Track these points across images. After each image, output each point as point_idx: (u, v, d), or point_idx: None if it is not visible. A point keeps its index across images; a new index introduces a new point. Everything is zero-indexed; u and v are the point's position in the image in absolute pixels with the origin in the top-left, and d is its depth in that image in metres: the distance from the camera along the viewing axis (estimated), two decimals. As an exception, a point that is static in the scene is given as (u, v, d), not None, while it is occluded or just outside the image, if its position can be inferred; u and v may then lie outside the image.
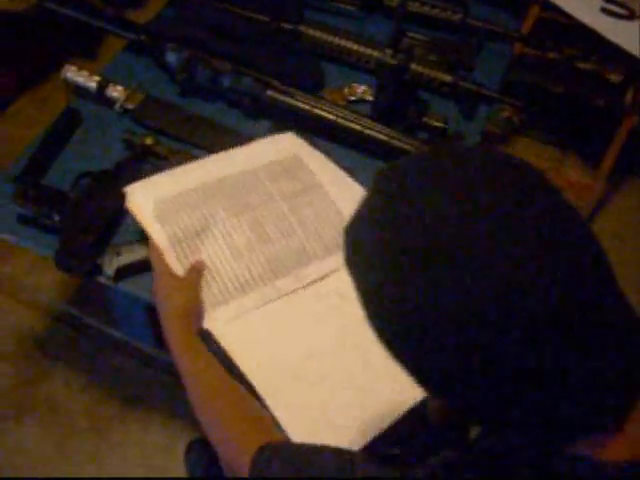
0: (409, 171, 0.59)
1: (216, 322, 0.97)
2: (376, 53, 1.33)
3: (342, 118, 1.24)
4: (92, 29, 1.39)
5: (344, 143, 1.27)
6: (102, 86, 1.29)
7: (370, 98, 1.34)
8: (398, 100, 1.29)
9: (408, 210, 0.56)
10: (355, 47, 1.38)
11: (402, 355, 0.62)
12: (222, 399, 0.87)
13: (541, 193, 0.55)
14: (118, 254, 1.08)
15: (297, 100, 1.25)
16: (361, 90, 1.36)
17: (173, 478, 1.48)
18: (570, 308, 0.51)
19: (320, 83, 1.37)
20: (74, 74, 1.30)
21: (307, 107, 1.25)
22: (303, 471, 0.69)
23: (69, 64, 1.32)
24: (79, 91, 1.32)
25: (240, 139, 1.22)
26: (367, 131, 1.23)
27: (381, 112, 1.28)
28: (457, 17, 1.47)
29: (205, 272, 0.99)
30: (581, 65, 2.03)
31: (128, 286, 1.10)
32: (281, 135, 1.15)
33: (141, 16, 1.66)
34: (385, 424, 0.92)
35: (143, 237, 1.05)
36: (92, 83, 1.29)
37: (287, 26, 1.39)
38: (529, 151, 2.18)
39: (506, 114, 2.16)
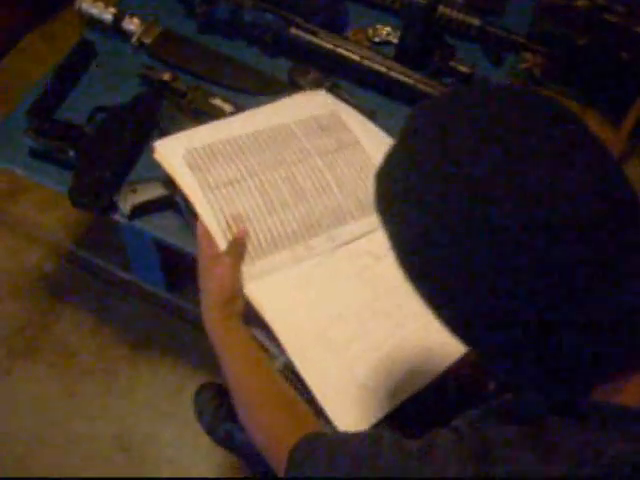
0: (446, 110, 0.58)
1: (246, 278, 0.94)
2: (403, -7, 1.28)
3: (367, 59, 1.20)
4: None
5: (368, 85, 1.23)
6: (118, 18, 1.24)
7: (395, 40, 1.30)
8: (424, 43, 1.24)
9: (447, 150, 0.54)
10: (381, -14, 1.33)
11: (436, 298, 0.61)
12: (260, 386, 0.85)
13: (582, 136, 0.55)
14: (134, 192, 1.06)
15: (320, 39, 1.21)
16: (386, 32, 1.31)
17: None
18: (614, 250, 0.51)
19: (344, 23, 1.32)
20: (89, 5, 1.26)
21: (330, 46, 1.20)
22: (340, 468, 0.67)
23: (84, -6, 1.27)
24: (93, 23, 1.27)
25: (260, 77, 1.19)
26: (392, 73, 1.19)
27: (406, 55, 1.24)
28: (487, -41, 1.41)
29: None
30: (608, 16, 1.96)
31: (143, 225, 1.08)
32: (315, 92, 1.11)
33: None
34: (413, 389, 0.90)
35: (160, 175, 1.02)
36: (108, 15, 1.25)
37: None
38: (548, 104, 2.13)
39: (527, 65, 2.10)
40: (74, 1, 1.27)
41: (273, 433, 0.80)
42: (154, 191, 1.06)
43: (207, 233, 0.93)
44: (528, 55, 1.39)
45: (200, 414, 1.50)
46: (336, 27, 1.28)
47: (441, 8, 1.28)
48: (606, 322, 0.53)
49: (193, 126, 1.06)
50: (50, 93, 1.18)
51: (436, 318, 0.61)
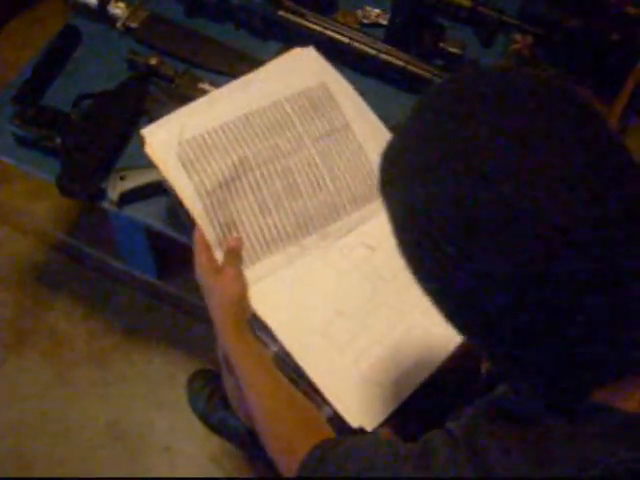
0: (459, 93, 0.56)
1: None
2: (392, -27, 1.26)
3: (356, 41, 1.18)
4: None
5: (357, 68, 1.22)
6: (103, 2, 1.22)
7: (384, 22, 1.29)
8: (414, 24, 1.23)
9: (459, 135, 0.53)
10: (370, -34, 1.31)
11: (434, 285, 0.59)
12: (273, 396, 0.85)
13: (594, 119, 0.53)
14: (122, 178, 1.04)
15: (309, 21, 1.19)
16: (375, 13, 1.30)
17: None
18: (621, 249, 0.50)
19: (333, 5, 1.31)
20: (74, -11, 1.23)
21: (320, 29, 1.19)
22: (352, 476, 0.68)
23: (68, -22, 1.25)
24: (79, 8, 1.25)
25: (248, 61, 1.17)
26: (382, 55, 1.18)
27: (396, 36, 1.23)
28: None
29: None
30: (599, -4, 1.95)
31: (132, 212, 1.07)
32: (302, 51, 1.05)
33: None
34: (421, 379, 0.90)
35: (149, 161, 1.01)
36: (93, -1, 1.23)
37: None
38: (539, 86, 2.12)
39: (517, 46, 2.09)
40: (58, -15, 1.25)
41: (286, 441, 0.81)
42: (142, 178, 1.05)
43: (205, 247, 0.91)
44: (518, 36, 1.38)
45: (193, 401, 1.50)
46: (325, 9, 1.27)
47: (431, -12, 1.26)
48: (610, 322, 0.52)
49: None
50: (35, 80, 1.16)
51: (435, 308, 0.60)
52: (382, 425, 0.87)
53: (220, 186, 0.92)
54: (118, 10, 1.22)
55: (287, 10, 1.20)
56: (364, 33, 1.20)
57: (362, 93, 1.15)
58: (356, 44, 1.18)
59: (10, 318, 1.62)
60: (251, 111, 0.97)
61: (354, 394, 0.88)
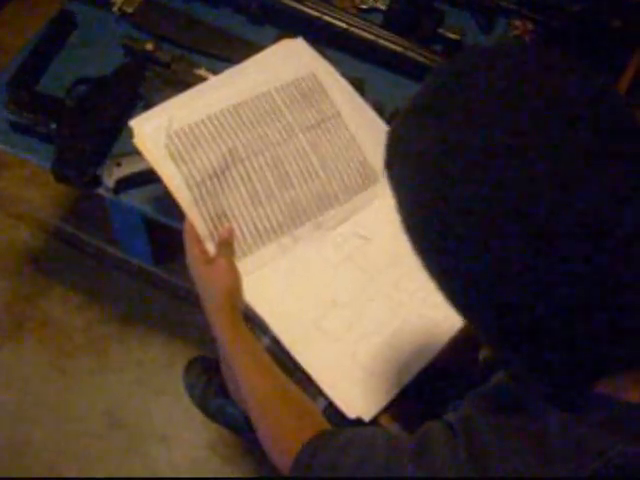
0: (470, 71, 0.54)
1: None
2: (390, -43, 1.25)
3: (354, 26, 1.17)
4: None
5: (355, 53, 1.21)
6: (98, -13, 1.21)
7: (383, 7, 1.27)
8: (412, 9, 1.22)
9: (470, 113, 0.51)
10: (368, -50, 1.30)
11: (441, 269, 0.58)
12: (267, 388, 0.85)
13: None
14: (118, 165, 1.04)
15: (306, 6, 1.18)
16: (373, -2, 1.29)
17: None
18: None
19: (330, -11, 1.29)
20: (68, -27, 1.22)
21: (317, 14, 1.18)
22: (346, 471, 0.67)
23: (62, -37, 1.23)
24: (73, -8, 1.24)
25: (245, 46, 1.16)
26: (380, 41, 1.17)
27: (394, 22, 1.22)
28: None
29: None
30: (599, -19, 1.93)
31: (128, 198, 1.06)
32: (291, 42, 1.06)
33: None
34: (418, 368, 0.90)
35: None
36: (88, -17, 1.21)
37: None
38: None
39: (517, 32, 2.07)
40: (53, -30, 1.24)
41: (280, 434, 0.81)
42: (138, 164, 1.04)
43: (196, 238, 0.90)
44: (518, 22, 1.37)
45: (191, 389, 1.49)
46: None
47: (430, -27, 1.25)
48: (615, 316, 0.51)
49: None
50: (30, 65, 1.15)
51: (440, 290, 0.59)
52: (380, 414, 0.87)
53: (210, 177, 0.92)
54: (113, -6, 1.21)
55: (284, -5, 1.19)
56: (362, 18, 1.19)
57: (362, 80, 1.15)
58: (354, 29, 1.17)
59: (6, 305, 1.61)
60: (240, 102, 0.97)
61: (350, 384, 0.88)
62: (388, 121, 1.11)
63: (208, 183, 0.92)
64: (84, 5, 1.24)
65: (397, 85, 1.19)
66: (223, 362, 0.96)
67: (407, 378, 0.89)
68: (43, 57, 1.17)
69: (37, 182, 1.75)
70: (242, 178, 0.94)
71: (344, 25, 1.17)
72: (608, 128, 0.49)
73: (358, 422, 0.87)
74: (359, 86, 1.15)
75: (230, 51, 1.17)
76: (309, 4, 1.18)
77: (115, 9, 1.21)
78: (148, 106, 1.10)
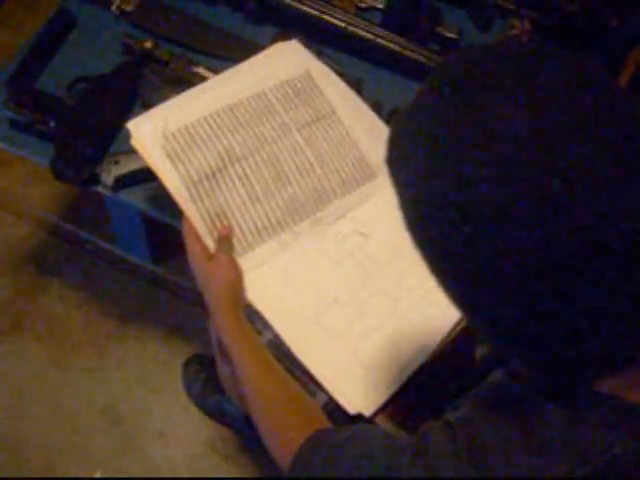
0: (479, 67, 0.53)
1: None
2: (389, -44, 1.25)
3: (352, 26, 1.17)
4: None
5: (354, 52, 1.21)
6: (97, -15, 1.21)
7: (381, 6, 1.28)
8: (410, 8, 1.23)
9: (479, 112, 0.50)
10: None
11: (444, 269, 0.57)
12: (268, 385, 0.85)
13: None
14: (117, 163, 1.04)
15: (305, 5, 1.18)
16: (372, -3, 1.29)
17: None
18: None
19: (329, -12, 1.29)
20: (67, -28, 1.22)
21: (315, 12, 1.18)
22: (345, 468, 0.67)
23: (61, -39, 1.24)
24: (73, -9, 1.24)
25: (243, 45, 1.17)
26: (379, 40, 1.17)
27: (392, 21, 1.22)
28: None
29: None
30: (597, -20, 1.93)
31: (127, 196, 1.07)
32: (286, 45, 1.07)
33: None
34: (417, 363, 0.90)
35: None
36: (87, -18, 1.22)
37: None
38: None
39: (515, 31, 2.08)
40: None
41: (281, 431, 0.81)
42: (137, 162, 1.04)
43: (196, 236, 0.91)
44: (516, 21, 1.37)
45: (189, 387, 1.50)
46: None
47: (428, -27, 1.25)
48: (620, 315, 0.50)
49: (176, 95, 1.04)
50: (29, 63, 1.16)
51: (441, 287, 0.58)
52: (376, 413, 0.88)
53: (207, 177, 0.93)
54: (112, -7, 1.21)
55: (283, -7, 1.19)
56: (360, 17, 1.20)
57: (360, 79, 1.16)
58: (352, 28, 1.17)
59: (6, 303, 1.62)
60: (235, 102, 0.98)
61: (350, 380, 0.89)
62: (386, 120, 1.12)
63: (205, 182, 0.92)
64: (83, 3, 1.24)
65: (395, 84, 1.20)
66: (220, 359, 0.97)
67: (406, 374, 0.90)
68: (42, 55, 1.17)
69: (36, 180, 1.75)
70: (239, 177, 0.95)
71: (342, 24, 1.17)
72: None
73: (358, 418, 0.87)
74: (357, 85, 1.16)
75: (229, 50, 1.18)
76: (307, 3, 1.18)
77: (114, 7, 1.21)
78: (147, 104, 1.10)
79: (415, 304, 0.95)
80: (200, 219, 0.91)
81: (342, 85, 1.07)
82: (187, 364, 1.52)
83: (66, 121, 1.06)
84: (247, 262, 0.93)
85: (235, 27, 1.23)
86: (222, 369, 0.98)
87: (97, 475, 1.45)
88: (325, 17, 1.18)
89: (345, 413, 0.87)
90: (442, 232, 0.52)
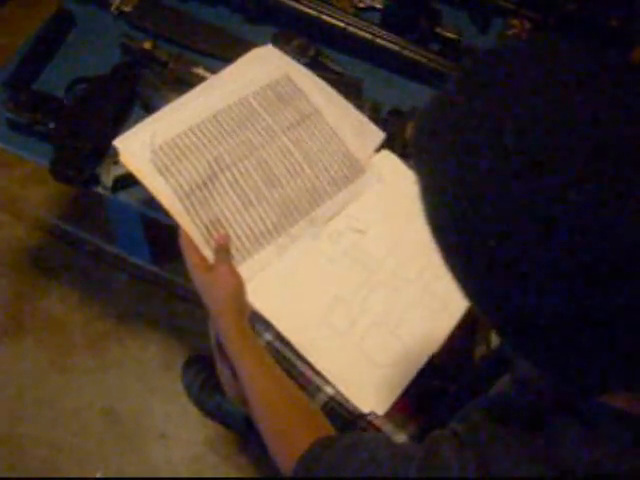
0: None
1: None
2: (388, -43, 1.25)
3: (352, 26, 1.17)
4: None
5: (353, 53, 1.21)
6: (96, -14, 1.21)
7: (380, 6, 1.28)
8: (410, 9, 1.22)
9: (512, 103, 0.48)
10: (365, -50, 1.30)
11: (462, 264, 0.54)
12: (274, 395, 0.84)
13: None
14: (116, 163, 1.04)
15: (304, 5, 1.18)
16: (371, -3, 1.29)
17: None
18: None
19: (328, -12, 1.29)
20: (66, -28, 1.22)
21: (314, 13, 1.18)
22: (350, 474, 0.67)
23: (60, -39, 1.23)
24: (72, -9, 1.24)
25: (242, 45, 1.16)
26: (378, 40, 1.17)
27: (392, 21, 1.22)
28: None
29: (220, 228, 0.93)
30: (597, -20, 1.93)
31: (126, 197, 1.06)
32: (262, 50, 1.07)
33: None
34: (425, 357, 0.91)
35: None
36: (86, -18, 1.21)
37: None
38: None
39: (515, 31, 2.07)
40: (51, -32, 1.24)
41: (287, 440, 0.80)
42: (136, 163, 1.04)
43: (194, 247, 0.90)
44: (516, 21, 1.37)
45: (188, 387, 1.50)
46: (320, -7, 1.25)
47: (427, -27, 1.25)
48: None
49: (175, 96, 1.04)
50: (28, 64, 1.15)
51: (462, 292, 0.55)
52: (373, 415, 0.88)
53: (199, 187, 0.93)
54: (111, -7, 1.21)
55: (282, -6, 1.19)
56: (359, 17, 1.20)
57: (360, 79, 1.16)
58: (351, 28, 1.17)
59: (5, 303, 1.62)
60: (219, 110, 0.98)
61: (361, 379, 0.89)
62: (385, 120, 1.12)
63: (198, 192, 0.93)
64: (82, 4, 1.24)
65: (394, 84, 1.20)
66: (219, 361, 0.97)
67: (415, 369, 0.90)
68: (41, 56, 1.17)
69: (36, 181, 1.75)
70: (230, 184, 0.95)
71: (341, 24, 1.17)
72: None
73: (359, 418, 0.87)
74: (357, 85, 1.16)
75: (227, 50, 1.18)
76: (306, 3, 1.18)
77: (113, 8, 1.21)
78: (146, 104, 1.11)
79: (417, 296, 0.95)
80: (196, 230, 0.91)
81: (323, 84, 1.07)
82: (187, 365, 1.53)
83: (65, 122, 1.06)
84: (247, 269, 0.93)
85: (234, 27, 1.23)
86: (222, 370, 0.98)
87: (97, 475, 1.45)
88: (324, 17, 1.17)
89: (344, 414, 0.87)
90: (465, 240, 0.51)
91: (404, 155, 1.08)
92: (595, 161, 0.45)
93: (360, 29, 1.17)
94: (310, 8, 1.18)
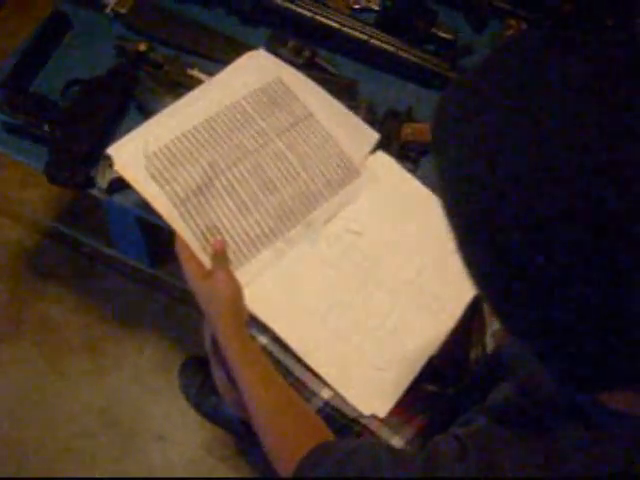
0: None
1: None
2: (383, -43, 1.25)
3: (347, 27, 1.17)
4: None
5: (348, 54, 1.21)
6: (92, -12, 1.21)
7: (376, 7, 1.27)
8: (405, 9, 1.22)
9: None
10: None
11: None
12: (275, 405, 0.84)
13: None
14: (111, 166, 1.03)
15: (299, 6, 1.18)
16: (366, -2, 1.29)
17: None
18: None
19: (323, -11, 1.29)
20: (61, -25, 1.22)
21: (309, 14, 1.18)
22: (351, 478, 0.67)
23: (56, -36, 1.23)
24: (67, -6, 1.24)
25: (237, 47, 1.16)
26: (373, 41, 1.17)
27: (387, 22, 1.22)
28: None
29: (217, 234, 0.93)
30: (593, -20, 1.93)
31: (122, 199, 1.06)
32: (253, 54, 1.07)
33: None
34: (425, 357, 0.91)
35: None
36: (81, -16, 1.21)
37: None
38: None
39: (511, 31, 2.07)
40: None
41: (287, 447, 0.80)
42: (132, 165, 1.04)
43: (190, 254, 0.90)
44: (512, 21, 1.37)
45: (186, 389, 1.50)
46: (315, -6, 1.25)
47: (423, -27, 1.25)
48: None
49: (171, 98, 1.04)
50: (24, 66, 1.15)
51: (478, 289, 0.54)
52: (370, 418, 0.87)
53: (194, 193, 0.92)
54: (106, -5, 1.21)
55: (276, -5, 1.19)
56: (355, 18, 1.19)
57: (355, 80, 1.16)
58: (347, 29, 1.17)
59: (2, 306, 1.62)
60: (212, 115, 0.98)
61: (362, 382, 0.89)
62: (381, 122, 1.11)
63: (193, 199, 0.92)
64: (78, 6, 1.24)
65: (390, 85, 1.19)
66: (214, 365, 0.96)
67: (414, 371, 0.90)
68: (37, 58, 1.17)
69: (32, 183, 1.75)
70: (226, 189, 0.95)
71: (336, 25, 1.17)
72: None
73: (354, 422, 0.87)
74: (352, 86, 1.16)
75: (223, 52, 1.18)
76: (301, 4, 1.18)
77: (108, 10, 1.21)
78: (141, 106, 1.10)
79: (415, 297, 0.95)
80: (192, 236, 0.91)
81: (315, 87, 1.07)
82: (184, 366, 1.53)
83: (60, 124, 1.06)
84: (245, 275, 0.93)
85: (229, 29, 1.23)
86: (217, 374, 0.98)
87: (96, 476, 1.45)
88: (319, 18, 1.17)
89: (339, 418, 0.87)
90: (486, 235, 0.50)
91: (401, 156, 1.08)
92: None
93: (355, 30, 1.17)
94: (305, 9, 1.18)
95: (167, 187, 0.92)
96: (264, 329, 0.91)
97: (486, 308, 0.97)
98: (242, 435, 1.43)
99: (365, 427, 0.87)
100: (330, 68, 1.18)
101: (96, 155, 1.05)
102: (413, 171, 1.07)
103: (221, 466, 1.46)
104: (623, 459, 0.52)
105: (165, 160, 0.93)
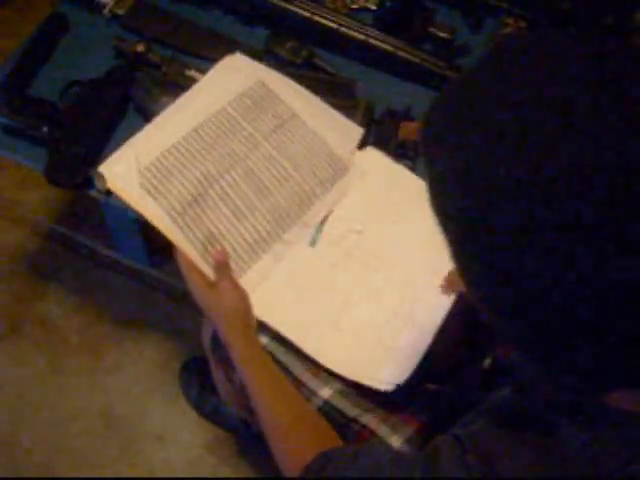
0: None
1: None
2: (380, -43, 1.25)
3: (344, 26, 1.17)
4: None
5: (346, 53, 1.21)
6: (90, -11, 1.21)
7: (373, 7, 1.27)
8: (403, 8, 1.22)
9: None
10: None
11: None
12: (286, 414, 0.84)
13: None
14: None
15: (296, 6, 1.18)
16: (364, -2, 1.29)
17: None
18: None
19: (320, -11, 1.29)
20: (59, -24, 1.22)
21: (307, 14, 1.18)
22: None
23: (54, -35, 1.24)
24: (65, -5, 1.24)
25: (235, 47, 1.16)
26: (371, 41, 1.17)
27: (385, 21, 1.22)
28: None
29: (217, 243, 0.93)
30: (591, -22, 1.93)
31: (121, 200, 1.06)
32: (232, 59, 1.07)
33: None
34: (434, 330, 0.91)
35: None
36: (79, -14, 1.21)
37: None
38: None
39: (508, 30, 2.07)
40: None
41: (294, 450, 0.80)
42: (131, 166, 1.04)
43: (192, 266, 0.90)
44: (510, 20, 1.37)
45: (186, 390, 1.51)
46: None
47: (420, -28, 1.25)
48: None
49: (168, 99, 1.04)
50: (22, 68, 1.15)
51: (472, 296, 0.54)
52: (369, 418, 0.87)
53: (189, 204, 0.93)
54: (104, -3, 1.21)
55: (274, -5, 1.19)
56: (352, 18, 1.19)
57: (353, 80, 1.16)
58: (344, 29, 1.17)
59: (2, 307, 1.62)
60: (199, 124, 0.98)
61: (377, 365, 0.90)
62: (379, 121, 1.12)
63: (189, 210, 0.92)
64: (76, 8, 1.24)
65: (388, 85, 1.20)
66: (214, 366, 0.97)
67: (426, 344, 0.90)
68: (35, 60, 1.17)
69: (32, 184, 1.75)
70: (221, 197, 0.95)
71: (334, 25, 1.17)
72: None
73: (353, 421, 0.87)
74: (350, 86, 1.16)
75: (221, 52, 1.17)
76: (299, 4, 1.18)
77: (106, 11, 1.21)
78: (139, 107, 1.11)
79: (423, 285, 0.96)
80: (192, 248, 0.91)
81: (295, 86, 1.08)
82: (185, 367, 1.53)
83: (59, 126, 1.06)
84: (248, 281, 0.93)
85: (227, 30, 1.23)
86: (217, 374, 0.98)
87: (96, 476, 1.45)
88: (317, 18, 1.17)
89: (339, 417, 0.87)
90: (478, 234, 0.49)
91: (399, 155, 1.09)
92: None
93: (353, 30, 1.17)
94: (303, 9, 1.18)
95: (163, 201, 0.91)
96: (263, 328, 0.91)
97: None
98: (243, 435, 1.44)
99: (365, 426, 0.87)
100: (328, 68, 1.18)
101: (95, 156, 1.05)
102: (411, 169, 1.08)
103: (222, 466, 1.46)
104: (623, 459, 0.52)
105: (158, 174, 0.93)
